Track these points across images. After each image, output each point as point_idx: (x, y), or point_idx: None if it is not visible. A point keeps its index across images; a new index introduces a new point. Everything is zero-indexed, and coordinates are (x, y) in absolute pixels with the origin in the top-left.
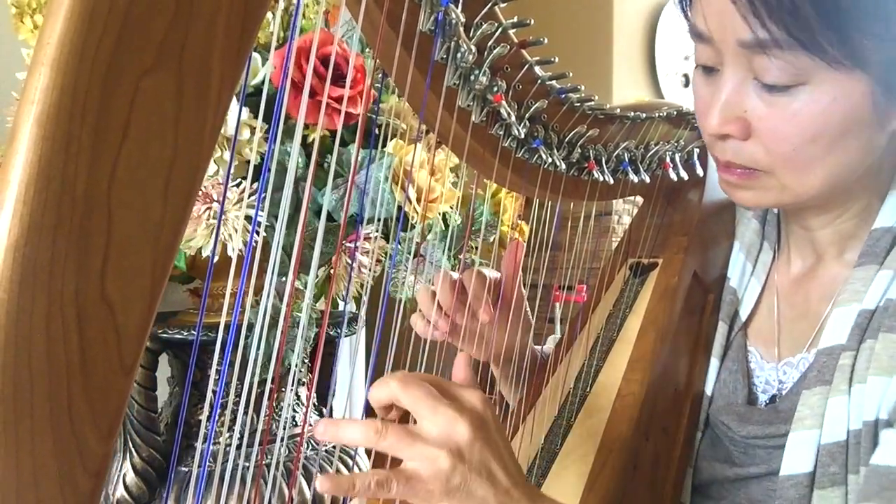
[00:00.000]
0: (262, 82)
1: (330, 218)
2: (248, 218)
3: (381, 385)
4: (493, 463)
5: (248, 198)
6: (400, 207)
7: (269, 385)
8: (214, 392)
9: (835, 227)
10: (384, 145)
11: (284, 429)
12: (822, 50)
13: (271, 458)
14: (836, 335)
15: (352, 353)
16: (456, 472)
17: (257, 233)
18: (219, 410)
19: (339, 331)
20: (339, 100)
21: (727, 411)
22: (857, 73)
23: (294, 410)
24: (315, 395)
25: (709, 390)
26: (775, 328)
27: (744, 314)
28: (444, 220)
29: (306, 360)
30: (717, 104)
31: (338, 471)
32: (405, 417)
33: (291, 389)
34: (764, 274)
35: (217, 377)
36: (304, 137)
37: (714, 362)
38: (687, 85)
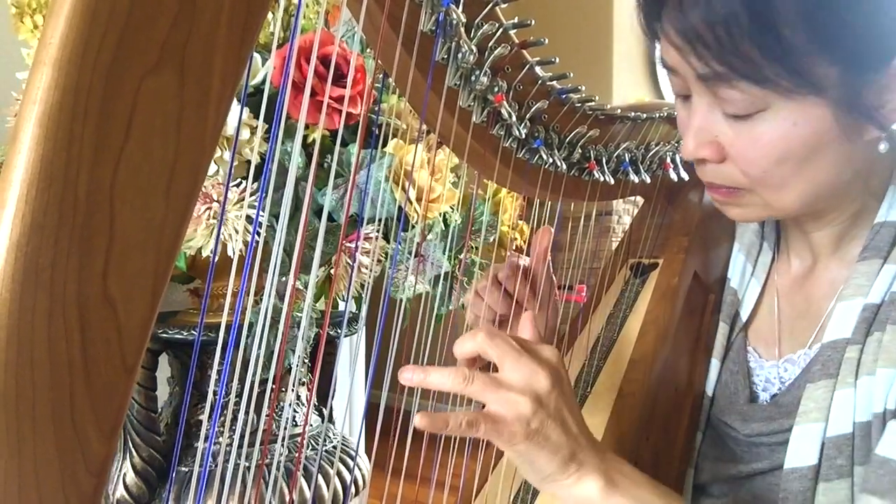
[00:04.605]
0: (263, 82)
1: (330, 218)
2: (248, 218)
3: (469, 339)
4: (565, 411)
5: (249, 198)
6: (400, 207)
7: (269, 385)
8: (214, 392)
9: (831, 229)
10: (384, 145)
11: (285, 429)
12: (771, 82)
13: (271, 459)
14: (840, 329)
15: (352, 354)
16: (536, 416)
17: (258, 233)
18: (219, 411)
19: (339, 331)
20: (339, 100)
21: (730, 412)
22: (811, 98)
23: (294, 410)
24: (315, 395)
25: (709, 391)
26: (776, 328)
27: (744, 315)
28: (445, 220)
29: (306, 361)
30: (691, 131)
31: (338, 472)
32: (485, 369)
33: (292, 389)
34: (764, 274)
35: (217, 377)
36: (304, 137)
37: (715, 363)
38: None
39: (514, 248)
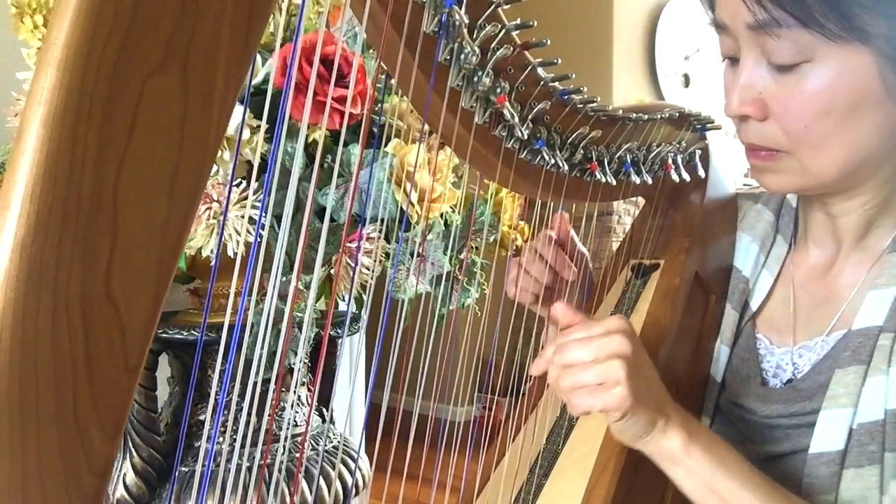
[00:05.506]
0: (262, 83)
1: (330, 218)
2: (247, 218)
3: (540, 362)
4: (648, 368)
5: (250, 198)
6: (400, 208)
7: (270, 385)
8: (215, 392)
9: (859, 215)
10: (380, 145)
11: (287, 429)
12: (819, 25)
13: (273, 459)
14: (872, 317)
15: (352, 354)
16: (630, 376)
17: (255, 233)
18: (221, 410)
19: (339, 331)
20: (338, 100)
21: (744, 394)
22: (858, 47)
23: (294, 411)
24: (315, 394)
25: (718, 377)
26: (791, 317)
27: (754, 304)
28: (445, 220)
29: (306, 361)
30: (736, 88)
31: (340, 475)
32: None
33: (292, 390)
34: (777, 266)
35: (215, 377)
36: (304, 137)
37: (724, 350)
38: (687, 85)
39: (514, 248)
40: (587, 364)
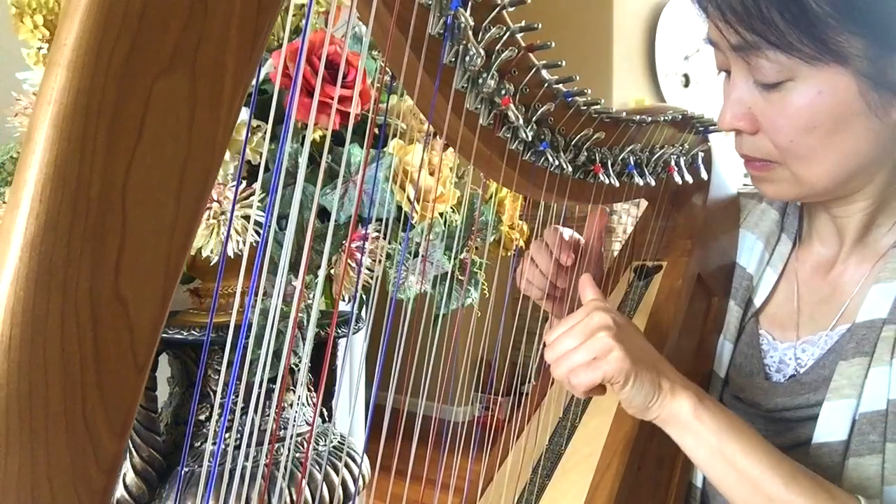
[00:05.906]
0: (261, 83)
1: (326, 219)
2: (247, 218)
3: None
4: (637, 335)
5: (250, 198)
6: (401, 208)
7: (267, 386)
8: (213, 392)
9: (859, 216)
10: (384, 145)
11: (293, 428)
12: (794, 49)
13: (278, 457)
14: (876, 310)
15: (350, 355)
16: (620, 342)
17: (257, 233)
18: (220, 411)
19: (339, 331)
20: (337, 100)
21: (749, 388)
22: (836, 67)
23: (295, 410)
24: (314, 393)
25: (722, 373)
26: (795, 313)
27: (758, 301)
28: (445, 220)
29: (308, 362)
30: (728, 103)
31: (338, 472)
32: None
33: (293, 390)
34: (781, 263)
35: (221, 378)
36: (302, 138)
37: (727, 346)
38: (687, 85)
39: (514, 248)
40: (577, 348)
